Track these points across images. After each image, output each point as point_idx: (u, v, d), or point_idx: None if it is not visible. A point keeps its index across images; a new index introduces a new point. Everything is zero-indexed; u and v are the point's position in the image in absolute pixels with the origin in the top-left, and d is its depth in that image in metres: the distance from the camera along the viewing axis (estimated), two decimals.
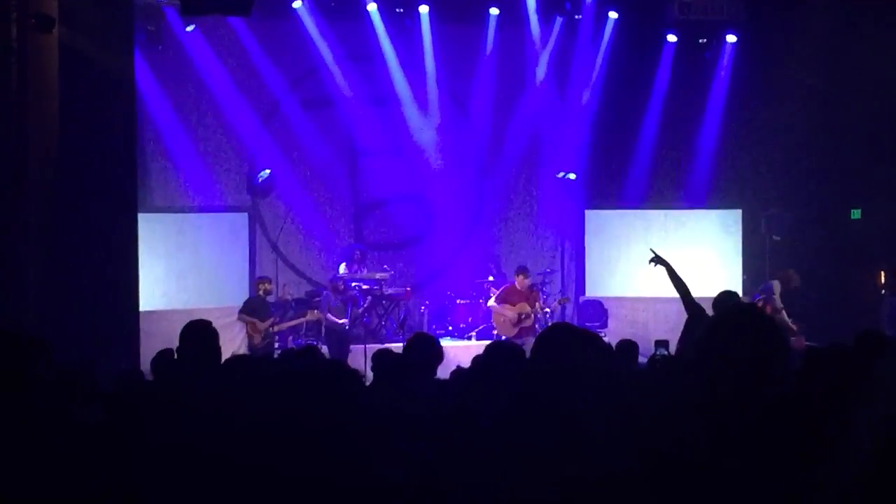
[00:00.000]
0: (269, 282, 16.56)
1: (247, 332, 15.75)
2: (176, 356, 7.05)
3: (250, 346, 15.54)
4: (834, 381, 5.49)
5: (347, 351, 15.51)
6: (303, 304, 17.69)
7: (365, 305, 17.26)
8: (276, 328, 16.16)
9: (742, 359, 3.38)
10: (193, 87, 18.08)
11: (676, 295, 9.91)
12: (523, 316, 15.82)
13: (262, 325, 15.77)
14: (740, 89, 18.65)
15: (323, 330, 16.58)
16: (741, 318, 3.56)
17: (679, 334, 10.09)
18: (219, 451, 4.25)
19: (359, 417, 4.44)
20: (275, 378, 5.54)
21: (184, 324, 7.00)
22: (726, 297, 9.84)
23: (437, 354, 6.72)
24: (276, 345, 16.19)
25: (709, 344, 3.50)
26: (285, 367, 6.69)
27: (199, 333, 6.89)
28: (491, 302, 16.14)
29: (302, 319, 16.52)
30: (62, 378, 5.90)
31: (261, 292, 16.14)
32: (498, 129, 19.22)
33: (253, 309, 15.88)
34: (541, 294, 17.01)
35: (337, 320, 16.11)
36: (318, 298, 17.58)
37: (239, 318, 15.74)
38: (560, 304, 17.45)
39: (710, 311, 9.34)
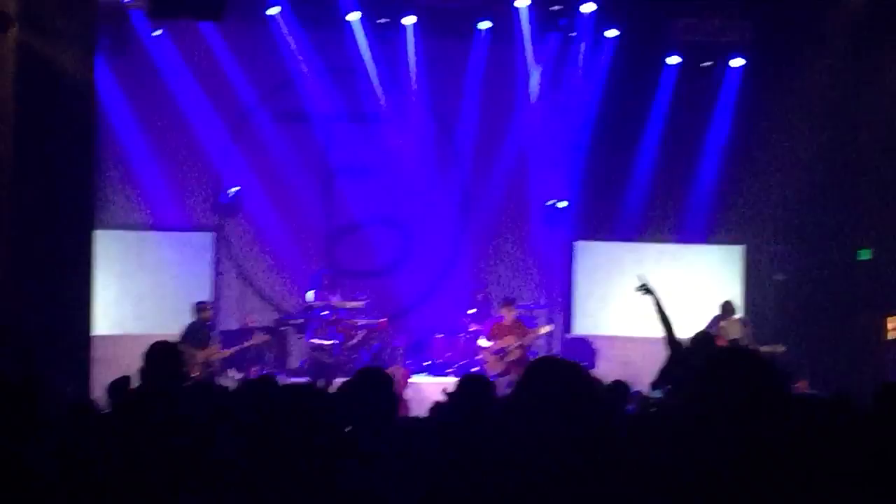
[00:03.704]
0: (210, 308, 16.31)
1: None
2: (139, 379, 6.90)
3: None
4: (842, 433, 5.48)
5: (330, 384, 15.41)
6: (269, 333, 17.58)
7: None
8: (216, 356, 15.97)
9: (738, 402, 3.37)
10: (158, 96, 17.96)
11: None
12: (510, 349, 15.84)
13: (201, 355, 15.56)
14: (745, 117, 18.66)
15: (307, 359, 16.88)
16: (735, 360, 3.55)
17: None
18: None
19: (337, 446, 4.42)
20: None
21: (139, 350, 6.85)
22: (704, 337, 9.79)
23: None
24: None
25: (703, 388, 3.49)
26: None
27: (166, 356, 6.77)
28: (483, 341, 16.14)
29: (248, 343, 16.37)
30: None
31: (202, 318, 15.93)
32: (484, 151, 19.19)
33: (196, 337, 15.63)
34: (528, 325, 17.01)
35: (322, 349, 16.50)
36: (283, 328, 17.52)
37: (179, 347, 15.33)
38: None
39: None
